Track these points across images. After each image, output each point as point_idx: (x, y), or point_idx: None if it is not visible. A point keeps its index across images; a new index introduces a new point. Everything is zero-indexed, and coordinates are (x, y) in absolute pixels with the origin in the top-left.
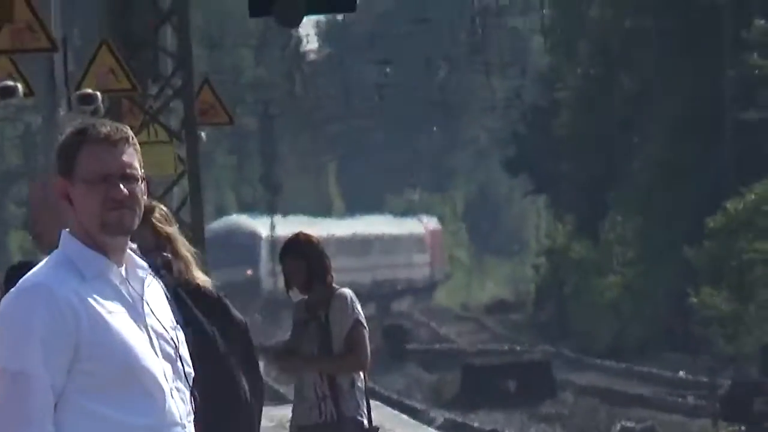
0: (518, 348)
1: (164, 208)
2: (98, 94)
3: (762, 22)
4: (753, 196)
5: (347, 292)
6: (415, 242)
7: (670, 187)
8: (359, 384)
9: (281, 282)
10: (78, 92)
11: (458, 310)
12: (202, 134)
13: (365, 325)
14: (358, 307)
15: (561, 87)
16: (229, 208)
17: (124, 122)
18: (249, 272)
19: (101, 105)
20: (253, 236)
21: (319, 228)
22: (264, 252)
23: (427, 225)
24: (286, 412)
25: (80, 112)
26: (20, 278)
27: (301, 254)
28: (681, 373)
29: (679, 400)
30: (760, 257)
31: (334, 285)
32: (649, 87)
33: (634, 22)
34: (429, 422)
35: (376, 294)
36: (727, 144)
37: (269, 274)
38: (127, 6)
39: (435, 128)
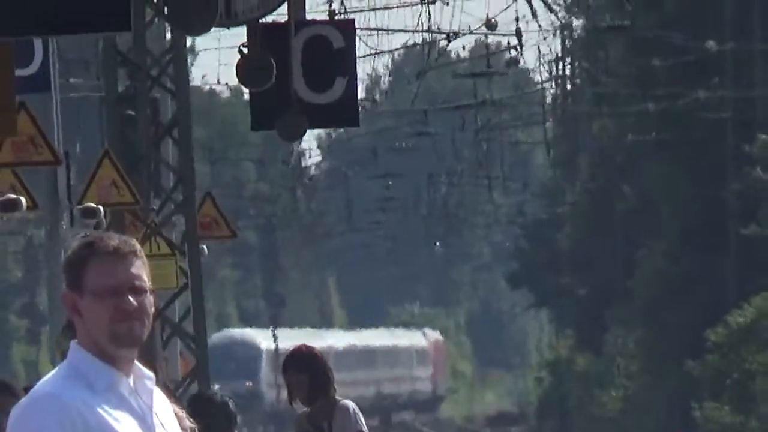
0: None
1: None
2: (101, 207)
3: (765, 136)
4: (754, 309)
5: (350, 404)
6: (418, 355)
7: (672, 301)
8: None
9: (284, 394)
10: (80, 206)
11: (461, 422)
12: (204, 248)
13: None
14: (361, 418)
15: (563, 201)
16: (231, 319)
17: (126, 235)
18: (249, 384)
19: (103, 219)
20: (254, 348)
21: (321, 340)
22: (265, 364)
23: (431, 338)
24: None
25: (83, 225)
26: None
27: (303, 367)
28: None
29: None
30: (762, 369)
31: (336, 397)
32: (651, 200)
33: (636, 135)
34: None
35: (378, 406)
36: (729, 258)
37: (271, 386)
38: (129, 119)
39: (437, 243)
